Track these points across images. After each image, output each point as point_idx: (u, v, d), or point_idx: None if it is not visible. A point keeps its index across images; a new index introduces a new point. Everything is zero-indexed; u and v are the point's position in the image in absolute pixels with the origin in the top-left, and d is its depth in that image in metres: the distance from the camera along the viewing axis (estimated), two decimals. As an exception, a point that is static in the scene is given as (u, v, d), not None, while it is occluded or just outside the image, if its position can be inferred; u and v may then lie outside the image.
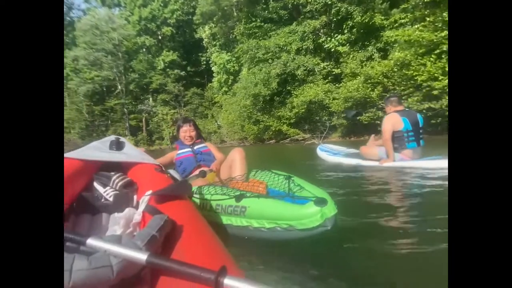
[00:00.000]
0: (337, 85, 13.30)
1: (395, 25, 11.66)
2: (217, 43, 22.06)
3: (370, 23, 12.15)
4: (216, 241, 0.88)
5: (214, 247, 0.83)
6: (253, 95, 15.52)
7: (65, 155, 1.81)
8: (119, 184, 1.59)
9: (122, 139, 2.30)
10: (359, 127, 11.87)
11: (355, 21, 12.60)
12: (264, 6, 16.96)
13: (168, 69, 24.94)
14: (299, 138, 14.46)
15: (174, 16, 25.33)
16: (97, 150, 2.06)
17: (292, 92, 14.70)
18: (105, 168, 1.87)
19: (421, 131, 3.49)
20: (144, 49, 25.92)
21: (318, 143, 11.31)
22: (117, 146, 2.18)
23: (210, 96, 24.65)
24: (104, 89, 25.43)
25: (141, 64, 24.87)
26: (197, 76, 26.65)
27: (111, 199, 1.52)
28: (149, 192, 1.21)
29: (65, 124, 23.71)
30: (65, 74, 25.13)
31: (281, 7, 15.82)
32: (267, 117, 15.77)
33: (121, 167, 1.93)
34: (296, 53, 14.63)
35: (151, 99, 25.85)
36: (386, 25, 12.00)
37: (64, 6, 30.02)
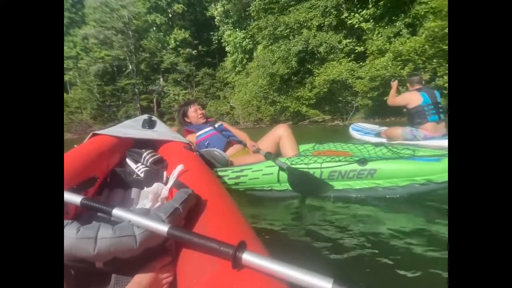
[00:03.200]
0: (360, 63, 12.66)
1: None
2: (230, 21, 21.26)
3: (400, -4, 11.35)
4: (239, 216, 0.88)
5: (236, 222, 0.83)
6: (270, 74, 14.96)
7: (99, 131, 1.91)
8: (149, 161, 1.65)
9: (154, 117, 2.38)
10: (383, 108, 11.34)
11: (384, -7, 11.78)
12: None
13: (179, 48, 24.27)
14: (318, 120, 13.99)
15: (185, -8, 24.44)
16: (131, 128, 2.15)
17: (313, 71, 14.07)
18: (137, 145, 1.96)
19: (440, 105, 3.65)
20: (154, 27, 25.19)
21: (343, 124, 10.89)
22: (149, 124, 2.26)
23: (221, 77, 24.09)
24: (115, 69, 24.99)
25: (152, 42, 24.22)
26: (208, 56, 25.99)
27: (142, 174, 1.59)
28: (180, 166, 1.27)
29: (77, 105, 23.57)
30: (75, 53, 24.73)
31: (301, -20, 14.92)
32: (284, 97, 15.25)
33: (153, 145, 2.01)
34: (318, 29, 13.90)
35: (161, 79, 25.38)
36: (416, -1, 11.20)
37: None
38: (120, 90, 24.77)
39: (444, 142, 3.42)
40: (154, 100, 24.95)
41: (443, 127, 3.64)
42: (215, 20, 22.71)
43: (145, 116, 2.38)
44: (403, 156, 1.82)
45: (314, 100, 14.14)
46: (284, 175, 2.03)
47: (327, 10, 13.68)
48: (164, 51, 24.57)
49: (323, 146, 2.51)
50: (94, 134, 1.90)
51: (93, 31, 23.17)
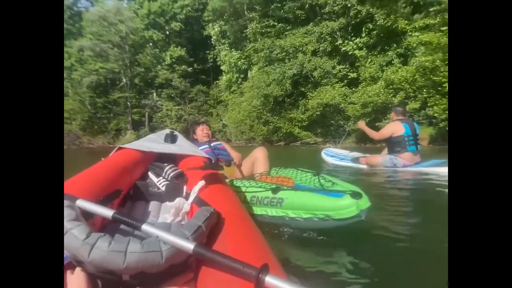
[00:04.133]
0: (353, 89, 12.99)
1: (417, 30, 11.38)
2: (227, 41, 21.71)
3: (393, 27, 11.86)
4: (259, 236, 0.89)
5: (257, 242, 0.84)
6: (265, 95, 15.18)
7: (124, 145, 1.97)
8: (170, 175, 1.68)
9: (176, 132, 2.43)
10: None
11: (377, 24, 12.28)
12: (279, 5, 16.64)
13: (175, 65, 24.49)
14: (310, 142, 14.12)
15: (184, 11, 24.95)
16: (153, 142, 2.19)
17: (306, 93, 14.35)
18: (159, 159, 2.02)
19: (418, 137, 3.97)
20: (151, 43, 25.46)
21: (335, 147, 11.01)
22: (172, 138, 2.30)
23: (215, 95, 24.29)
24: (108, 81, 24.88)
25: (148, 58, 24.38)
26: (203, 74, 26.28)
27: (163, 188, 1.62)
28: (201, 182, 1.28)
29: (66, 115, 23.14)
30: (69, 64, 24.58)
31: (298, 7, 15.47)
32: (277, 118, 15.43)
33: (174, 159, 2.05)
34: (312, 54, 14.30)
35: (155, 94, 25.38)
36: (408, 30, 11.72)
37: (71, -4, 29.51)
38: (112, 103, 24.54)
39: (421, 169, 3.75)
40: (146, 115, 24.80)
41: (418, 157, 3.94)
42: (212, 39, 23.15)
43: (168, 131, 2.44)
44: (314, 188, 1.88)
45: (306, 122, 14.34)
46: None
47: (322, 36, 14.17)
48: (159, 66, 24.72)
49: (285, 171, 2.57)
50: (120, 148, 1.96)
51: (89, 43, 23.19)
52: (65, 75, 24.77)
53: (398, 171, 3.87)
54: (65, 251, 0.72)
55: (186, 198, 1.29)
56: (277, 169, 2.72)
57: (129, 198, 1.54)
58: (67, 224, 0.72)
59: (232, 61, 20.78)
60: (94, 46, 23.12)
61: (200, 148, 2.74)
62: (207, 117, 23.19)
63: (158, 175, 1.77)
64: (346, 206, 1.46)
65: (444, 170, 3.47)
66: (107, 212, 0.87)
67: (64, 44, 25.34)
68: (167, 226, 1.13)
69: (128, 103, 24.37)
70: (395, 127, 3.97)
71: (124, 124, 24.31)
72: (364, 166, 4.27)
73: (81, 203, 0.89)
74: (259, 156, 2.69)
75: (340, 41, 14.10)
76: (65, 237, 0.70)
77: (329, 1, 13.68)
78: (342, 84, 13.51)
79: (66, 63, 24.81)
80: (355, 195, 1.48)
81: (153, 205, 1.50)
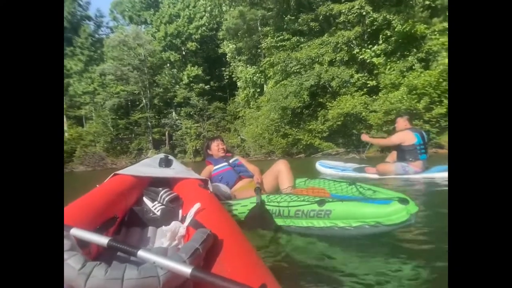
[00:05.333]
0: (374, 97, 12.70)
1: (437, 34, 11.09)
2: (242, 58, 22.01)
3: (411, 32, 11.61)
4: (256, 256, 0.90)
5: (254, 262, 0.84)
6: (282, 107, 15.10)
7: (119, 172, 1.97)
8: (166, 199, 1.68)
9: (170, 157, 2.47)
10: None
11: (395, 30, 12.07)
12: (293, 18, 16.77)
13: (192, 84, 25.01)
14: (332, 153, 13.81)
15: (199, 32, 25.63)
16: (149, 167, 2.22)
17: (325, 104, 14.16)
18: (154, 183, 2.02)
19: (427, 145, 4.10)
20: (168, 64, 26.21)
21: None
22: (166, 163, 2.33)
23: (232, 110, 24.49)
24: (129, 103, 25.71)
25: (166, 78, 25.06)
26: (219, 91, 26.70)
27: (158, 213, 1.62)
28: (197, 205, 1.26)
29: (91, 138, 23.99)
30: (92, 89, 25.64)
31: (312, 19, 15.52)
32: (296, 130, 15.25)
33: (168, 183, 2.05)
34: (329, 64, 14.19)
35: (174, 112, 25.91)
36: (428, 34, 11.43)
37: (93, 24, 31.11)
38: (133, 124, 25.23)
39: (431, 175, 3.91)
40: (166, 133, 25.28)
41: (426, 164, 4.08)
42: (227, 56, 23.55)
43: (162, 155, 2.46)
44: (357, 197, 2.00)
45: (327, 133, 14.08)
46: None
47: (338, 46, 14.07)
48: (177, 86, 25.31)
49: (314, 181, 2.66)
50: (115, 174, 1.95)
51: (110, 68, 24.14)
52: (88, 99, 25.90)
53: (410, 178, 3.96)
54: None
55: (182, 221, 1.30)
56: (304, 180, 2.76)
57: (125, 224, 1.54)
58: (64, 255, 0.72)
59: (248, 76, 20.96)
60: (115, 70, 24.02)
61: (219, 165, 2.78)
62: (225, 132, 23.37)
63: (153, 199, 1.76)
64: (396, 212, 1.54)
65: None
66: (102, 240, 0.87)
67: (83, 73, 26.62)
68: (164, 250, 1.15)
69: (149, 123, 24.95)
70: (406, 136, 4.05)
71: (146, 144, 24.82)
72: (372, 175, 4.29)
73: (76, 231, 0.88)
74: (282, 169, 2.62)
75: (357, 50, 13.95)
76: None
77: (343, 11, 13.63)
78: (362, 92, 13.25)
79: (89, 88, 25.93)
80: (403, 201, 1.57)
81: (149, 230, 1.50)
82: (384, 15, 12.44)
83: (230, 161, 2.86)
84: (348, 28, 14.13)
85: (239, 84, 22.34)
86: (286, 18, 17.09)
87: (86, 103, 26.27)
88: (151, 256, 0.78)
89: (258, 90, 20.93)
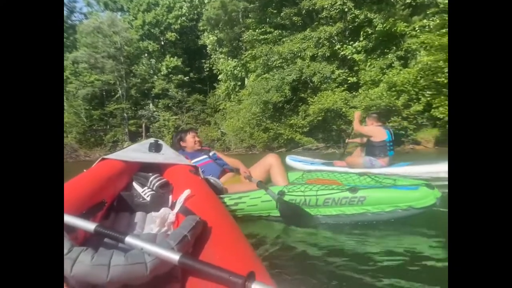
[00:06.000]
0: (354, 93, 12.89)
1: (416, 32, 11.36)
2: (223, 50, 21.66)
3: (392, 30, 11.82)
4: (246, 244, 0.88)
5: (243, 250, 0.83)
6: (264, 102, 15.02)
7: (107, 156, 1.93)
8: (156, 185, 1.66)
9: (160, 141, 2.40)
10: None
11: (377, 28, 12.24)
12: (275, 11, 16.63)
13: (171, 75, 24.34)
14: (312, 147, 13.93)
15: (179, 21, 24.90)
16: (138, 152, 2.18)
17: (306, 99, 14.22)
18: (144, 169, 1.99)
19: (394, 142, 4.30)
20: (146, 54, 25.32)
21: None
22: (156, 148, 2.29)
23: (212, 103, 24.14)
24: (104, 93, 24.66)
25: (143, 68, 24.22)
26: (199, 83, 26.18)
27: (148, 198, 1.60)
28: (187, 191, 1.26)
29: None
30: (64, 77, 24.33)
31: (294, 13, 15.45)
32: (277, 125, 15.25)
33: (159, 168, 2.03)
34: (311, 59, 14.22)
35: (151, 104, 25.16)
36: (407, 32, 11.69)
37: (65, 10, 29.41)
38: (108, 115, 24.25)
39: (394, 169, 4.02)
40: (143, 125, 24.53)
41: (391, 161, 4.23)
42: (207, 48, 23.09)
43: (152, 140, 2.40)
44: (386, 185, 2.11)
45: (307, 128, 14.17)
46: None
47: (320, 41, 14.11)
48: (156, 77, 24.55)
49: (311, 175, 2.71)
50: (103, 159, 1.91)
51: (84, 55, 22.99)
52: (59, 88, 24.52)
53: (399, 175, 4.18)
54: None
55: (172, 207, 1.28)
56: (301, 174, 2.81)
57: (113, 209, 1.51)
58: None
59: (228, 69, 20.68)
60: (89, 58, 22.91)
61: (199, 158, 2.66)
62: (205, 125, 23.06)
63: (142, 185, 1.74)
64: (425, 196, 1.75)
65: (412, 170, 3.85)
66: (89, 226, 0.85)
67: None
68: (153, 237, 1.14)
69: (125, 115, 24.09)
70: (378, 132, 4.18)
71: (121, 136, 23.98)
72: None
73: (66, 218, 0.86)
74: (274, 163, 2.59)
75: (338, 46, 14.05)
76: None
77: (326, 6, 13.65)
78: (342, 88, 13.40)
79: (61, 76, 24.56)
80: (430, 186, 1.78)
81: (138, 215, 1.48)
82: (366, 13, 12.57)
83: (210, 153, 2.78)
84: (330, 23, 14.18)
85: (220, 77, 21.99)
86: (268, 11, 16.91)
87: (57, 92, 24.90)
88: (139, 242, 0.76)
89: (239, 83, 20.72)
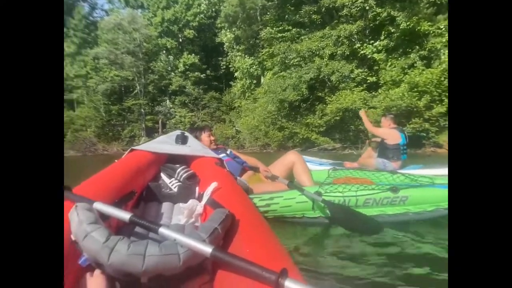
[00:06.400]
0: (373, 93, 12.59)
1: (441, 30, 10.96)
2: (240, 48, 21.65)
3: (415, 29, 11.45)
4: (275, 239, 0.87)
5: (273, 245, 0.82)
6: (280, 100, 14.90)
7: (136, 147, 1.99)
8: (183, 176, 1.69)
9: (186, 133, 2.41)
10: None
11: (400, 27, 11.89)
12: (293, 9, 16.44)
13: (188, 72, 24.54)
14: (328, 147, 13.72)
15: (197, 19, 25.06)
16: (165, 144, 2.20)
17: (324, 98, 14.01)
18: (171, 160, 2.02)
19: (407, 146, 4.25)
20: (164, 51, 25.62)
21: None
22: (182, 139, 2.29)
23: (228, 101, 24.22)
24: (123, 89, 25.12)
25: (161, 65, 24.52)
26: (215, 80, 26.31)
27: (175, 189, 1.63)
28: (214, 184, 1.27)
29: (82, 122, 23.41)
30: (85, 72, 24.93)
31: (314, 11, 15.23)
32: (293, 124, 15.11)
33: (185, 160, 2.05)
34: (330, 58, 13.99)
35: (168, 101, 25.46)
36: (431, 31, 11.30)
37: (87, 6, 30.11)
38: (126, 110, 24.70)
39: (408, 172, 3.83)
40: (160, 121, 24.86)
41: (403, 164, 4.12)
42: (224, 46, 23.14)
43: (178, 132, 2.42)
44: (424, 184, 2.06)
45: (324, 128, 13.96)
46: (319, 204, 2.08)
47: (339, 39, 13.86)
48: (173, 73, 24.81)
49: (339, 173, 2.65)
50: (132, 150, 1.97)
51: (104, 51, 23.47)
52: (80, 83, 25.19)
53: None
54: (84, 254, 0.72)
55: (199, 199, 1.30)
56: (328, 172, 2.76)
57: (142, 199, 1.55)
58: (87, 227, 0.72)
59: (245, 67, 20.66)
60: (109, 54, 23.36)
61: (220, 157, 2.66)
62: (220, 123, 23.17)
63: (170, 176, 1.78)
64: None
65: (424, 173, 3.72)
66: (124, 215, 0.87)
67: (76, 56, 25.88)
68: (181, 227, 1.18)
69: (142, 110, 24.47)
70: (393, 134, 4.06)
71: (138, 131, 24.37)
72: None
73: (99, 205, 0.89)
74: (296, 160, 2.53)
75: (358, 44, 13.77)
76: (85, 240, 0.70)
77: (347, 4, 13.38)
78: (361, 88, 13.12)
79: (82, 71, 25.20)
80: None
81: (165, 206, 1.50)
82: (388, 10, 12.23)
83: (228, 152, 2.76)
84: (350, 22, 13.90)
85: (236, 74, 22.00)
86: (286, 8, 16.74)
87: (78, 87, 25.53)
88: (172, 233, 0.77)
89: (255, 81, 20.68)
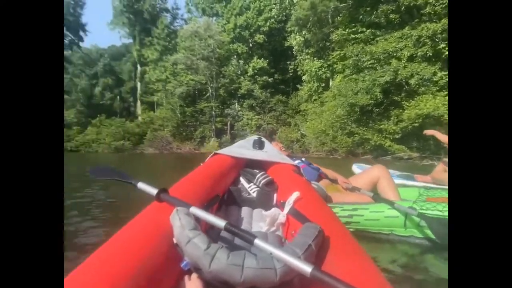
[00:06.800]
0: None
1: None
2: (310, 51, 21.47)
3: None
4: (364, 254, 0.83)
5: (367, 265, 0.78)
6: (350, 104, 14.31)
7: (219, 151, 2.06)
8: (262, 182, 1.69)
9: (263, 139, 2.44)
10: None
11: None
12: (369, 9, 15.68)
13: (256, 76, 25.27)
14: (404, 156, 12.72)
15: (267, 24, 25.65)
16: (244, 148, 2.25)
17: (400, 103, 13.05)
18: (248, 165, 2.07)
19: None
20: (235, 56, 26.79)
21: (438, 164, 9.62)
22: (259, 145, 2.33)
23: (294, 104, 24.22)
24: (196, 92, 26.96)
25: (232, 69, 25.70)
26: (282, 84, 26.56)
27: (254, 194, 1.66)
28: (296, 193, 1.23)
29: (160, 122, 25.82)
30: (164, 77, 27.44)
31: (392, 10, 14.32)
32: (364, 129, 14.36)
33: (262, 165, 2.07)
34: (408, 60, 12.99)
35: (237, 104, 26.52)
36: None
37: (169, 16, 33.12)
38: (198, 112, 26.45)
39: None
40: (228, 123, 26.03)
41: None
42: (293, 49, 23.19)
43: (255, 137, 2.45)
44: None
45: (399, 135, 12.99)
46: (413, 220, 1.93)
47: (420, 40, 12.78)
48: (242, 78, 25.78)
49: (432, 192, 2.38)
50: (215, 154, 2.05)
51: (182, 57, 25.51)
52: (160, 86, 27.80)
53: None
54: (186, 258, 0.75)
55: (281, 207, 1.31)
56: (419, 191, 2.52)
57: (224, 202, 1.58)
58: (189, 233, 0.75)
59: (313, 70, 20.41)
60: (186, 60, 25.31)
61: (295, 163, 2.67)
62: (285, 126, 23.29)
63: (249, 181, 1.80)
64: None
65: None
66: (219, 222, 0.87)
67: (158, 62, 28.57)
68: (263, 235, 1.18)
69: (213, 112, 25.92)
70: None
71: (209, 132, 25.86)
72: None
73: (194, 210, 0.91)
74: (382, 176, 2.41)
75: (442, 45, 12.50)
76: (187, 245, 0.73)
77: (430, 1, 12.27)
78: (446, 92, 11.88)
79: (162, 76, 27.80)
80: None
81: (245, 210, 1.52)
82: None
83: (303, 158, 2.74)
84: (434, 20, 12.71)
85: (304, 78, 21.87)
86: (361, 9, 16.04)
87: (158, 90, 28.29)
88: (268, 246, 0.76)
89: (323, 85, 20.27)
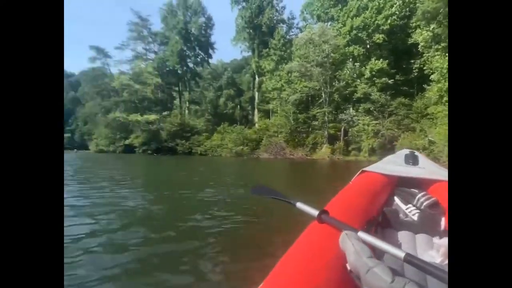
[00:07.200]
0: None
1: None
2: (440, 46, 18.77)
3: None
4: None
5: None
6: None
7: (367, 168, 1.97)
8: (424, 204, 1.55)
9: (416, 153, 2.25)
10: None
11: None
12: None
13: (374, 78, 23.68)
14: None
15: (388, 22, 23.75)
16: (394, 164, 2.08)
17: None
18: (401, 183, 1.91)
19: None
20: (351, 59, 25.83)
21: None
22: (413, 160, 2.13)
23: (420, 107, 21.54)
24: (309, 98, 27.23)
25: (347, 73, 24.90)
26: (405, 85, 24.01)
27: (414, 217, 1.51)
28: None
29: (275, 129, 27.20)
30: (279, 86, 28.83)
31: None
32: None
33: (417, 183, 1.88)
34: None
35: (351, 108, 25.45)
36: None
37: (285, 26, 34.68)
38: (311, 118, 26.61)
39: None
40: (342, 129, 25.23)
41: None
42: (419, 46, 20.71)
43: (407, 151, 2.26)
44: None
45: None
46: None
47: None
48: (358, 81, 24.62)
49: None
50: (363, 171, 1.93)
51: (296, 65, 26.26)
52: (275, 95, 29.33)
53: None
54: (364, 287, 0.71)
55: (445, 233, 1.18)
56: None
57: (378, 224, 1.46)
58: (368, 261, 0.71)
59: (444, 67, 17.69)
60: (300, 67, 25.91)
61: None
62: (409, 132, 21.01)
63: (407, 201, 1.65)
64: None
65: None
66: (397, 252, 0.81)
67: (274, 71, 30.15)
68: (440, 269, 1.01)
69: (326, 118, 25.62)
70: None
71: (321, 138, 25.68)
72: None
73: (363, 235, 0.86)
74: None
75: None
76: (368, 274, 0.69)
77: None
78: None
79: (277, 85, 29.26)
80: None
81: (403, 235, 1.38)
82: None
83: None
84: None
85: (432, 76, 19.23)
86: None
87: (273, 98, 29.93)
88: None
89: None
